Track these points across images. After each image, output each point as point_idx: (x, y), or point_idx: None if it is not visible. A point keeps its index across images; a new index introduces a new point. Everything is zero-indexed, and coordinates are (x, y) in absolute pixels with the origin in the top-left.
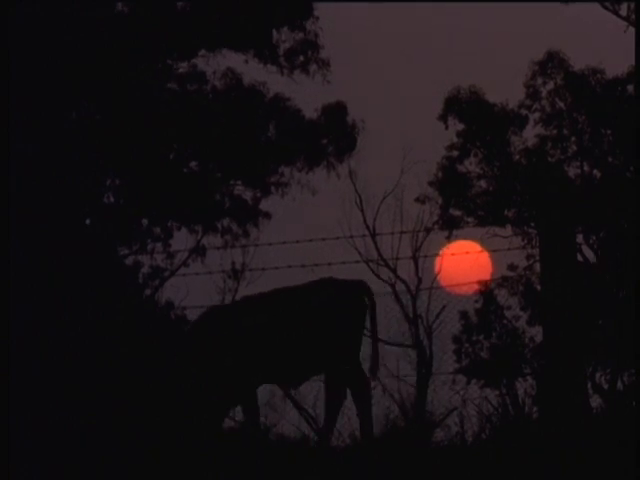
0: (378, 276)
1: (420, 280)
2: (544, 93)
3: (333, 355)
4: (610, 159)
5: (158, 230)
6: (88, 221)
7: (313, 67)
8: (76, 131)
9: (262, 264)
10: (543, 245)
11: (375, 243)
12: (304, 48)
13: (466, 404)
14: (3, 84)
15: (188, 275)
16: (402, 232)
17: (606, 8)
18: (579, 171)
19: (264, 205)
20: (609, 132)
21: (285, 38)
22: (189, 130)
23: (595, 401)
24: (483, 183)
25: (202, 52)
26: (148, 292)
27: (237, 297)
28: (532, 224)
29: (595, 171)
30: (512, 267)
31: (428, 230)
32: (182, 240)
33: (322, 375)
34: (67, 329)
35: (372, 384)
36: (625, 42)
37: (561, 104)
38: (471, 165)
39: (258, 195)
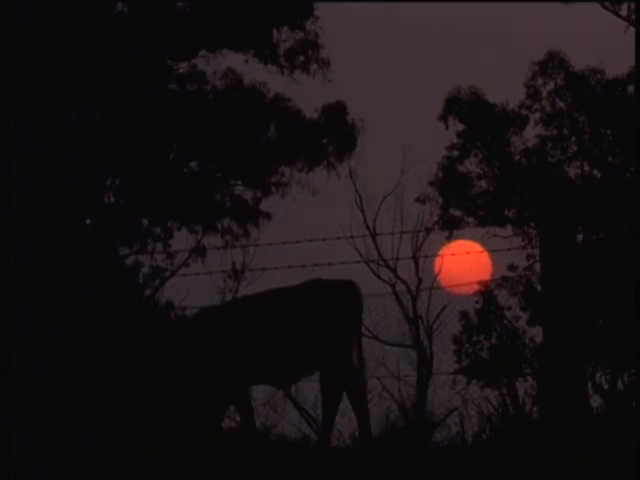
0: (378, 276)
1: (420, 280)
2: (544, 93)
3: (323, 355)
4: (610, 159)
5: (158, 230)
6: (88, 221)
7: (313, 67)
8: (76, 131)
9: (262, 264)
10: (543, 245)
11: (375, 243)
12: (304, 48)
13: (466, 404)
14: (3, 84)
15: (188, 275)
16: (402, 232)
17: (606, 8)
18: (579, 171)
19: (264, 205)
20: (609, 132)
21: (285, 38)
22: (189, 130)
23: (595, 401)
24: (483, 183)
25: (202, 52)
26: (148, 292)
27: (237, 297)
28: (532, 224)
29: (595, 171)
30: (512, 267)
31: (428, 230)
32: (182, 240)
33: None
34: (67, 329)
35: (372, 384)
36: (625, 42)
37: (561, 104)
38: (471, 165)
39: (258, 195)
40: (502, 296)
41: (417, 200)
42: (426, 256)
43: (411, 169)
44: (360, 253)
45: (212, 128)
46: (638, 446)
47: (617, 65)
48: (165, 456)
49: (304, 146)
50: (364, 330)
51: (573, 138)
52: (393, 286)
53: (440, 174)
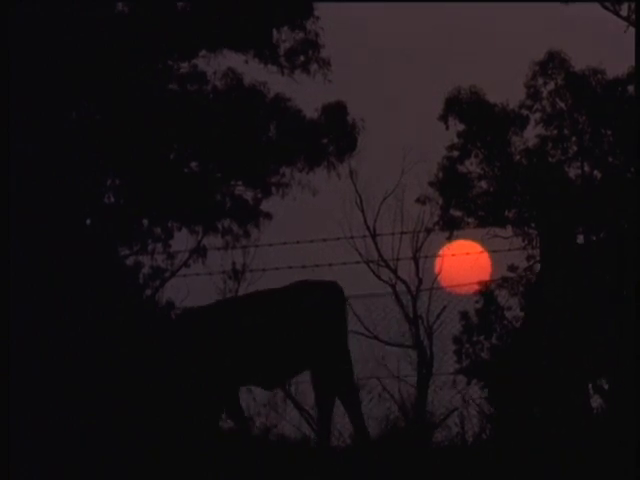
0: (378, 277)
1: (420, 281)
2: (545, 93)
3: (309, 357)
4: (610, 159)
5: (159, 230)
6: (88, 221)
7: (314, 67)
8: (76, 131)
9: (263, 265)
10: (544, 246)
11: (375, 244)
12: (304, 48)
13: (466, 404)
14: (3, 84)
15: (189, 276)
16: (402, 233)
17: (606, 8)
18: (579, 171)
19: (265, 205)
20: (609, 132)
21: (285, 38)
22: (189, 130)
23: (595, 401)
24: (484, 183)
25: (203, 52)
26: (148, 292)
27: (222, 299)
28: (533, 225)
29: (595, 171)
30: (512, 268)
31: (428, 231)
32: (183, 240)
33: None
34: (67, 329)
35: (372, 384)
36: (625, 42)
37: (562, 104)
38: (472, 165)
39: (259, 195)
40: (502, 296)
41: (417, 200)
42: (426, 256)
43: (411, 169)
44: (360, 253)
45: (212, 128)
46: (638, 446)
47: (617, 65)
48: (165, 456)
49: (304, 146)
50: (364, 330)
51: (573, 138)
52: (393, 286)
53: (440, 174)
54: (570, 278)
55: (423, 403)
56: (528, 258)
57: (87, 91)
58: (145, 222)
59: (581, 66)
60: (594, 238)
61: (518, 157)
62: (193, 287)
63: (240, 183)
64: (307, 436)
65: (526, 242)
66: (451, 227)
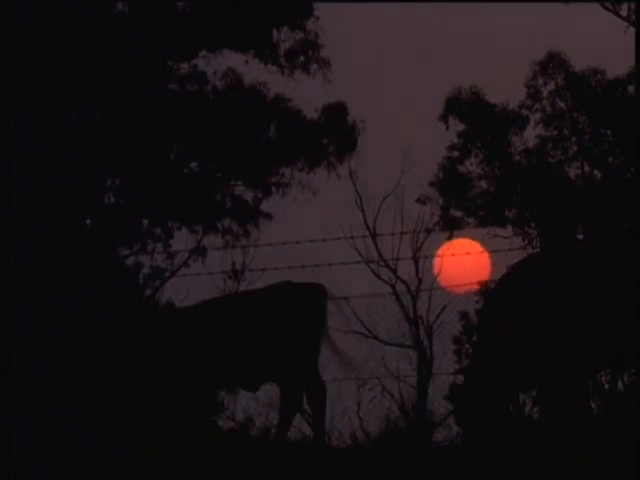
0: (378, 277)
1: (420, 281)
2: (545, 93)
3: (290, 358)
4: (610, 159)
5: (158, 230)
6: (88, 221)
7: (314, 67)
8: (76, 131)
9: (262, 264)
10: (544, 245)
11: (375, 244)
12: (304, 48)
13: None
14: (3, 84)
15: (188, 275)
16: (402, 233)
17: (606, 8)
18: (579, 172)
19: (265, 205)
20: (609, 132)
21: (285, 38)
22: (189, 130)
23: (595, 401)
24: (484, 183)
25: (203, 52)
26: (148, 292)
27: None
28: (533, 224)
29: (595, 171)
30: None
31: (429, 231)
32: (182, 240)
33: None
34: (67, 329)
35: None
36: (625, 42)
37: (562, 104)
38: (472, 165)
39: (259, 195)
40: None
41: (417, 200)
42: (426, 256)
43: (411, 169)
44: (360, 253)
45: (212, 128)
46: (638, 446)
47: (617, 65)
48: (165, 456)
49: (304, 146)
50: (364, 330)
51: (573, 138)
52: (393, 286)
53: (440, 174)
54: (570, 278)
55: (423, 403)
56: None
57: (87, 91)
58: (145, 222)
59: (581, 66)
60: (594, 238)
61: (518, 157)
62: (193, 287)
63: (240, 183)
64: (307, 436)
65: (526, 242)
66: (451, 227)
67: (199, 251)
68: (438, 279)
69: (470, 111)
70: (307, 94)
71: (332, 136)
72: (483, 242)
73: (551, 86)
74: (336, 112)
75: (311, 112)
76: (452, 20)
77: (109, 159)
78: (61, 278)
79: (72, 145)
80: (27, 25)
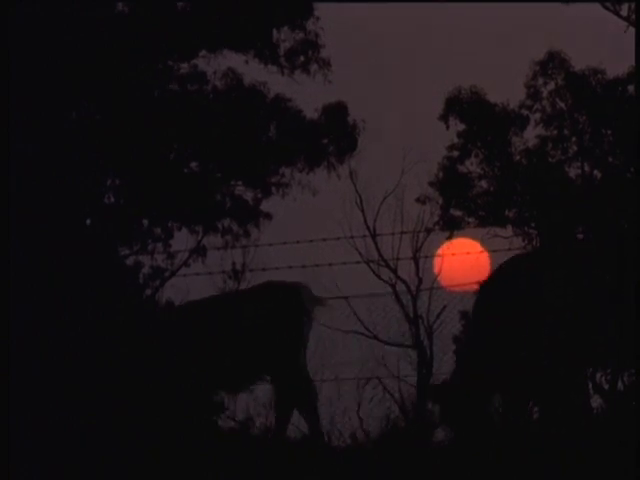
0: (379, 276)
1: (420, 280)
2: (545, 93)
3: (273, 358)
4: (610, 159)
5: (159, 230)
6: (88, 221)
7: (314, 67)
8: (76, 131)
9: (263, 264)
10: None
11: (376, 243)
12: (305, 48)
13: None
14: (3, 84)
15: (189, 275)
16: (402, 232)
17: (606, 8)
18: (579, 171)
19: (265, 205)
20: (609, 132)
21: (285, 38)
22: (189, 130)
23: (595, 401)
24: (484, 183)
25: (203, 52)
26: (148, 292)
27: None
28: (533, 224)
29: (595, 171)
30: None
31: (429, 230)
32: (183, 240)
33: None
34: (67, 329)
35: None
36: (625, 42)
37: (562, 104)
38: (472, 165)
39: (259, 195)
40: None
41: (417, 200)
42: (426, 256)
43: (411, 169)
44: (360, 253)
45: (212, 128)
46: (638, 446)
47: (617, 65)
48: (165, 456)
49: (304, 146)
50: (364, 330)
51: (573, 138)
52: (393, 286)
53: (440, 174)
54: (570, 278)
55: (423, 403)
56: None
57: (87, 91)
58: (145, 222)
59: (581, 66)
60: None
61: (518, 157)
62: (193, 287)
63: (240, 183)
64: (307, 436)
65: (526, 242)
66: (451, 227)
67: (199, 251)
68: (438, 279)
69: (470, 111)
70: (307, 94)
71: (332, 136)
72: (483, 242)
73: (551, 86)
74: (336, 112)
75: (311, 112)
76: (452, 20)
77: (109, 159)
78: (61, 278)
79: (72, 145)
80: (27, 25)
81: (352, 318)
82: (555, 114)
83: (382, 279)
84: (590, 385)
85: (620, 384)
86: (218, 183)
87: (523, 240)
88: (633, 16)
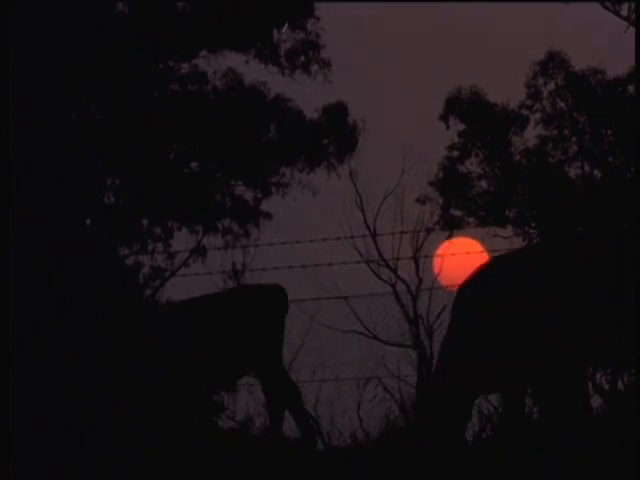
0: (379, 276)
1: (421, 280)
2: (545, 93)
3: (250, 362)
4: (611, 159)
5: (158, 230)
6: (88, 221)
7: (314, 67)
8: (76, 131)
9: (263, 264)
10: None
11: (376, 243)
12: (305, 48)
13: None
14: (3, 84)
15: (188, 275)
16: (403, 232)
17: (606, 8)
18: (580, 171)
19: (265, 205)
20: (610, 132)
21: (286, 38)
22: (189, 130)
23: (595, 401)
24: (484, 183)
25: (203, 52)
26: (148, 292)
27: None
28: (533, 224)
29: (596, 171)
30: None
31: (429, 230)
32: (182, 240)
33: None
34: (67, 329)
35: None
36: (625, 42)
37: (562, 104)
38: (472, 165)
39: (259, 195)
40: None
41: (417, 200)
42: (426, 256)
43: (411, 169)
44: (360, 253)
45: (212, 128)
46: (638, 446)
47: (617, 65)
48: (165, 456)
49: (305, 146)
50: (364, 330)
51: (573, 138)
52: (393, 286)
53: (440, 174)
54: (570, 278)
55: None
56: None
57: (87, 91)
58: (145, 222)
59: (581, 66)
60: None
61: (518, 157)
62: (193, 287)
63: (240, 183)
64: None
65: (526, 242)
66: (451, 227)
67: (199, 251)
68: (438, 279)
69: (470, 111)
70: (307, 94)
71: (332, 136)
72: (483, 242)
73: (551, 86)
74: (336, 112)
75: (311, 112)
76: (452, 20)
77: (109, 159)
78: (61, 278)
79: (72, 145)
80: (27, 25)
81: (352, 318)
82: (555, 114)
83: (382, 279)
84: (590, 385)
85: (620, 384)
86: (218, 183)
87: (523, 240)
88: (633, 16)
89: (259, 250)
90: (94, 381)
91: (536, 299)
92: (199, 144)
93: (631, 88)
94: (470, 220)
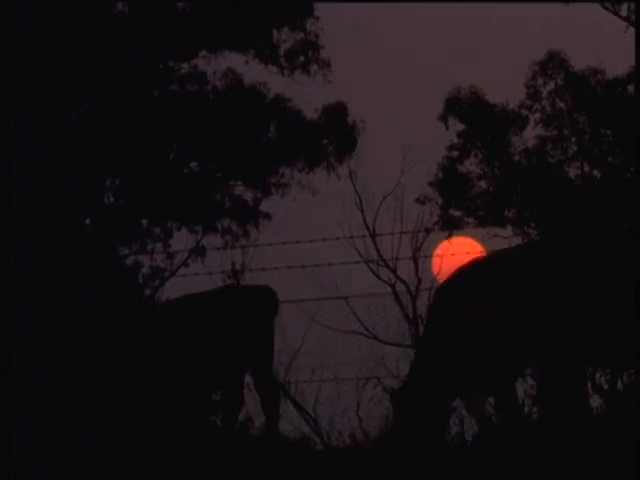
0: (378, 276)
1: (420, 280)
2: (544, 93)
3: (239, 362)
4: (610, 159)
5: (158, 230)
6: (88, 221)
7: (314, 67)
8: (76, 131)
9: (262, 265)
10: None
11: (375, 243)
12: (305, 48)
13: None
14: (3, 84)
15: (188, 275)
16: (402, 232)
17: (606, 8)
18: (579, 171)
19: (264, 205)
20: (609, 132)
21: (285, 38)
22: (189, 130)
23: (595, 401)
24: (483, 183)
25: (203, 53)
26: (148, 292)
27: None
28: (532, 224)
29: (595, 171)
30: None
31: (428, 230)
32: (182, 240)
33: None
34: (67, 329)
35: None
36: (625, 42)
37: (561, 104)
38: (471, 165)
39: (258, 195)
40: None
41: (417, 200)
42: (426, 256)
43: (411, 169)
44: (360, 253)
45: (212, 128)
46: (638, 446)
47: (617, 65)
48: (165, 456)
49: (304, 147)
50: (364, 330)
51: (573, 138)
52: (393, 286)
53: (440, 174)
54: (570, 278)
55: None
56: None
57: (87, 91)
58: (145, 222)
59: (581, 66)
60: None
61: (518, 157)
62: (193, 287)
63: (240, 183)
64: (307, 436)
65: (526, 242)
66: (451, 227)
67: (198, 251)
68: (438, 279)
69: (470, 111)
70: (307, 94)
71: (332, 136)
72: (483, 242)
73: (551, 86)
74: (336, 112)
75: (311, 112)
76: (452, 20)
77: (109, 159)
78: (61, 278)
79: (72, 145)
80: (27, 25)
81: (352, 318)
82: (555, 114)
83: (381, 279)
84: (590, 385)
85: (620, 384)
86: (218, 183)
87: (523, 240)
88: (633, 16)
89: (258, 250)
90: (94, 381)
91: (532, 299)
92: (199, 144)
93: (631, 88)
94: (470, 220)
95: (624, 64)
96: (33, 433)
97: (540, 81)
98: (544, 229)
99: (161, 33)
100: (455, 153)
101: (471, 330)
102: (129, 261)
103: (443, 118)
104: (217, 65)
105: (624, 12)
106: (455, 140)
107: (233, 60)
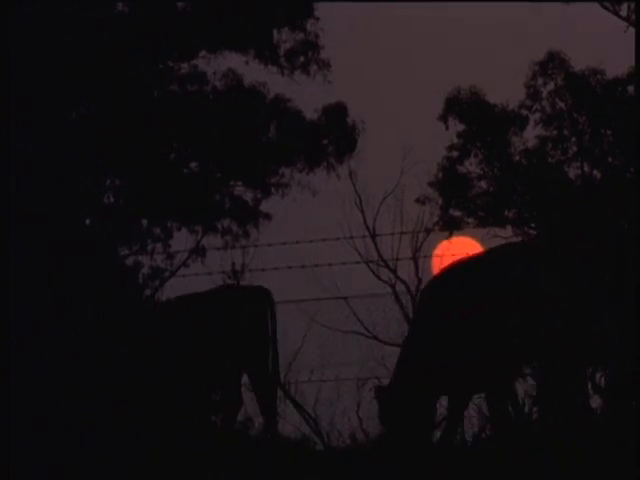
0: (378, 277)
1: (420, 281)
2: (544, 93)
3: (234, 362)
4: (610, 160)
5: (158, 230)
6: (88, 221)
7: (314, 68)
8: (76, 131)
9: (262, 265)
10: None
11: (375, 244)
12: (304, 49)
13: None
14: (3, 84)
15: (188, 276)
16: (402, 233)
17: (606, 8)
18: (579, 172)
19: (264, 206)
20: (609, 132)
21: (285, 38)
22: (189, 130)
23: (595, 401)
24: (483, 184)
25: (203, 53)
26: (148, 292)
27: None
28: (533, 224)
29: (595, 172)
30: None
31: (428, 231)
32: (182, 240)
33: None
34: (67, 329)
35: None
36: (625, 42)
37: (561, 104)
38: (471, 166)
39: (258, 196)
40: None
41: (417, 201)
42: (426, 256)
43: (411, 170)
44: (360, 254)
45: (212, 128)
46: (638, 446)
47: (617, 65)
48: (165, 456)
49: (304, 147)
50: (364, 330)
51: (573, 138)
52: (393, 286)
53: (440, 175)
54: (570, 278)
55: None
56: None
57: (87, 91)
58: (145, 222)
59: (581, 66)
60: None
61: (518, 157)
62: (193, 287)
63: (240, 183)
64: (307, 436)
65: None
66: (451, 227)
67: (198, 251)
68: None
69: (470, 111)
70: (307, 94)
71: (332, 137)
72: (483, 242)
73: (551, 86)
74: (336, 113)
75: (311, 112)
76: (452, 20)
77: (109, 159)
78: (61, 278)
79: (72, 145)
80: (27, 25)
81: (352, 318)
82: (555, 114)
83: (382, 279)
84: (590, 385)
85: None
86: (218, 183)
87: (523, 240)
88: (633, 16)
89: (258, 250)
90: (94, 381)
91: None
92: (199, 144)
93: (631, 88)
94: (470, 220)
95: (624, 64)
96: (33, 433)
97: (540, 81)
98: (544, 229)
99: (161, 33)
100: (455, 153)
101: (459, 328)
102: (129, 261)
103: (443, 118)
104: (217, 65)
105: (624, 12)
106: (455, 140)
107: (233, 60)
